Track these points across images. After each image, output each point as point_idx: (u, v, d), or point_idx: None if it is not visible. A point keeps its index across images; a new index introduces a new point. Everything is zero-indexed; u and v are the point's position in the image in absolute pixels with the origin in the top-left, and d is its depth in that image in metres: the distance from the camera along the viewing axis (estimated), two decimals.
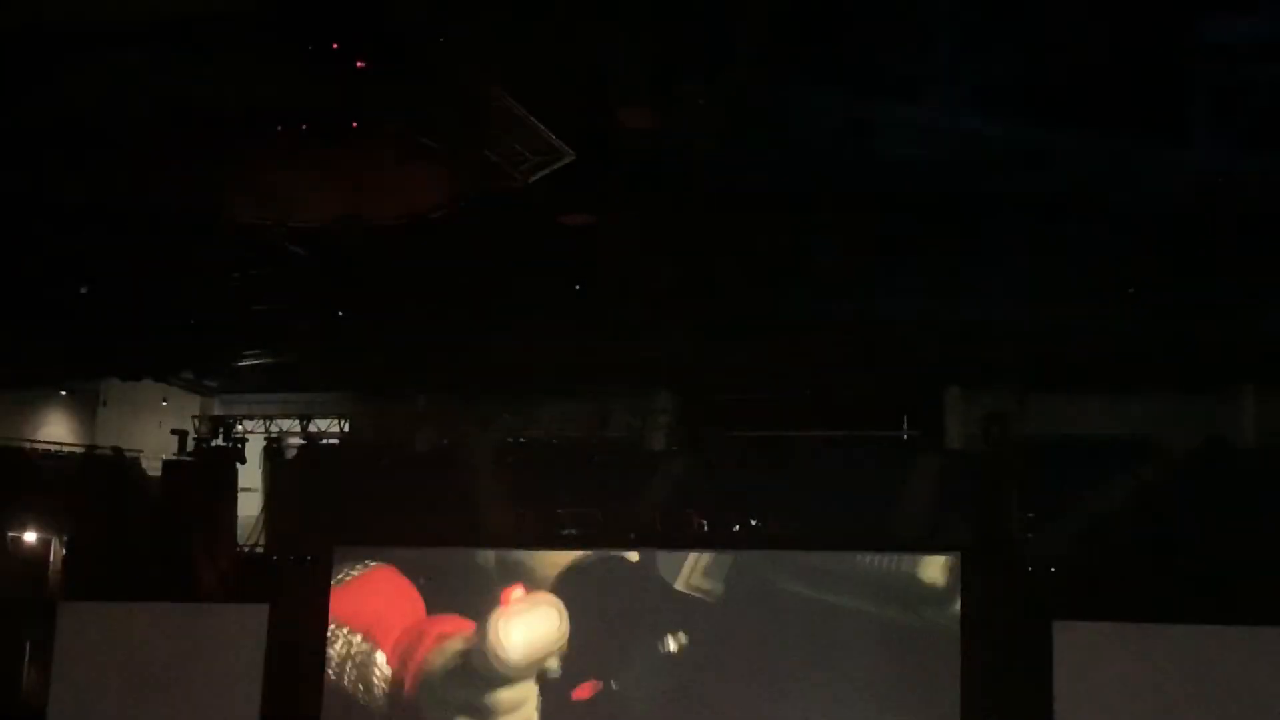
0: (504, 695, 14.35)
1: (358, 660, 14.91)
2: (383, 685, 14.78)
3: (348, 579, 15.29)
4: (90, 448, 17.57)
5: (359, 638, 14.98)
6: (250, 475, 16.92)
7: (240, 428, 16.94)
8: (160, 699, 14.94)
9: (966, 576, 13.55)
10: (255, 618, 15.06)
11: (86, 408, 18.54)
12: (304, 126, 9.86)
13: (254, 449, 16.93)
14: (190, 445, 16.79)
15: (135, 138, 10.47)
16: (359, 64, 9.13)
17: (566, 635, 14.34)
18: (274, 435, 16.84)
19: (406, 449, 16.28)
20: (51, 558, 17.25)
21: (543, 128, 10.21)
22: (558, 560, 14.71)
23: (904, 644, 13.65)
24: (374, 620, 15.00)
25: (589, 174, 10.89)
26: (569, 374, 15.84)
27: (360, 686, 14.85)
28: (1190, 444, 14.38)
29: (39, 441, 17.89)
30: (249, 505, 16.89)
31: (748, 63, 9.32)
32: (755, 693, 13.88)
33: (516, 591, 14.61)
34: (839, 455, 14.95)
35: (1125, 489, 14.23)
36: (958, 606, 13.50)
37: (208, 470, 16.65)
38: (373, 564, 15.33)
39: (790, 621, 13.97)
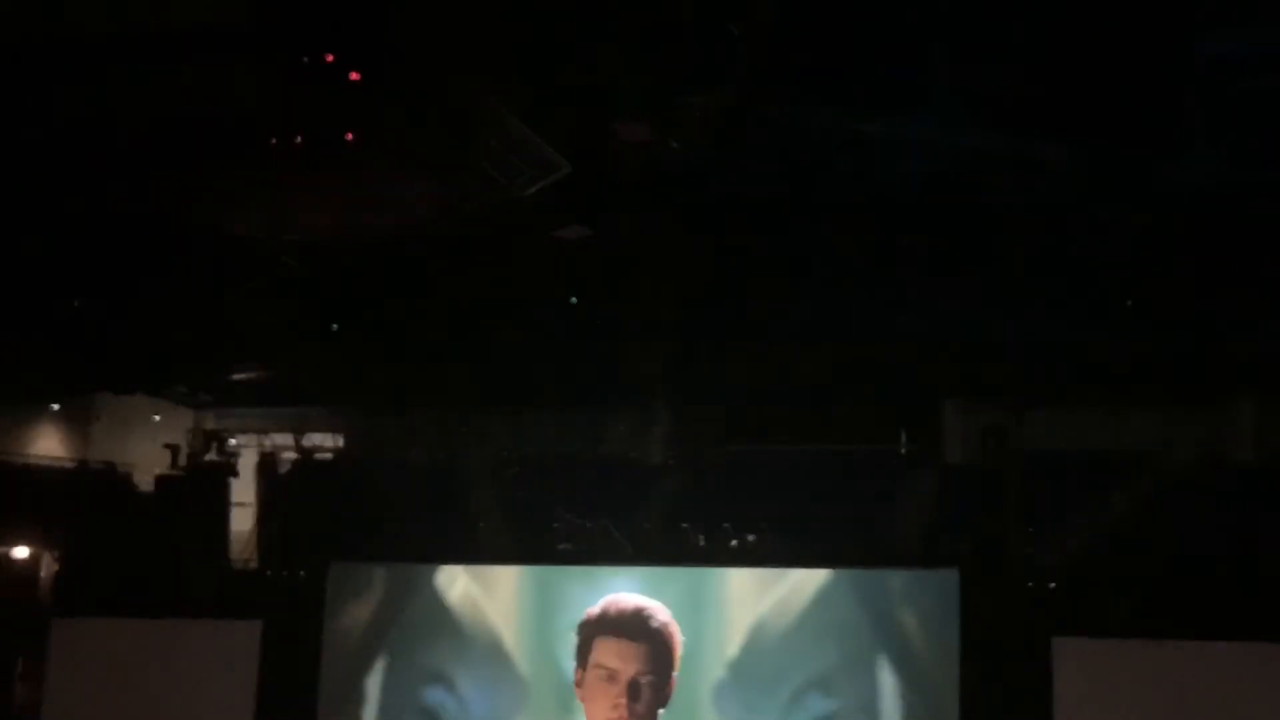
0: None
1: None
2: None
3: None
4: (83, 462, 17.48)
5: None
6: (244, 490, 16.81)
7: (233, 442, 16.83)
8: (153, 715, 14.84)
9: (965, 592, 13.45)
10: (248, 634, 14.96)
11: (79, 422, 18.46)
12: (298, 139, 9.82)
13: (247, 463, 16.84)
14: (183, 460, 16.70)
15: (129, 150, 10.43)
16: (353, 76, 9.10)
17: None
18: (268, 450, 16.75)
19: (401, 463, 16.17)
20: (43, 573, 17.14)
21: (539, 140, 10.18)
22: None
23: (902, 659, 13.55)
24: None
25: (586, 187, 10.87)
26: (565, 388, 15.77)
27: None
28: (1189, 458, 14.32)
29: (31, 456, 17.80)
30: (242, 520, 16.78)
31: (745, 76, 9.30)
32: (755, 708, 13.78)
33: None
34: (836, 469, 14.85)
35: (1125, 504, 14.14)
36: (956, 622, 13.41)
37: (201, 485, 16.54)
38: None
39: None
